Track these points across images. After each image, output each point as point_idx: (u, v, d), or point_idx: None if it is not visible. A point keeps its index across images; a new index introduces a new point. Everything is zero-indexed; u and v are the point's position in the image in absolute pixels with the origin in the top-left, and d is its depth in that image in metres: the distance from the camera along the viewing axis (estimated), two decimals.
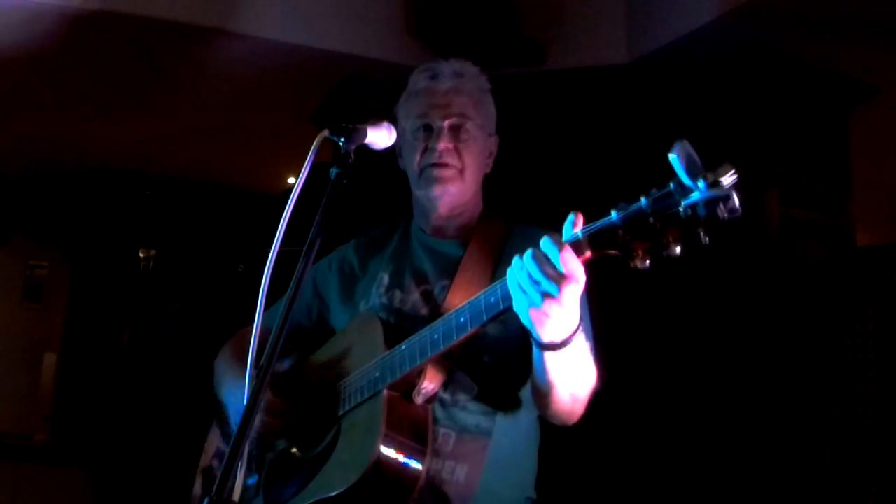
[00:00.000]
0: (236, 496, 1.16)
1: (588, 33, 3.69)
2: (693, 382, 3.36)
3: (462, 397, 1.53)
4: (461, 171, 1.66)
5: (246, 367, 1.69)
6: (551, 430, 1.62)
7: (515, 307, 1.26)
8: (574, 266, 1.18)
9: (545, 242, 1.20)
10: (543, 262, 1.20)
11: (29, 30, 3.57)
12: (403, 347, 1.48)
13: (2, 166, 5.78)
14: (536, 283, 1.20)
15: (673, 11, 3.42)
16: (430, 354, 1.43)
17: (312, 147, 1.34)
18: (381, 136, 1.49)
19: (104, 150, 5.44)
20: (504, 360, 1.55)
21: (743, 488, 3.19)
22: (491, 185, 1.78)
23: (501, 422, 1.56)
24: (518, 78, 3.74)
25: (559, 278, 1.19)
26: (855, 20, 3.18)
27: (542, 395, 1.44)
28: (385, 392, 1.47)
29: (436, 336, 1.42)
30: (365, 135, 1.45)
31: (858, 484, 3.36)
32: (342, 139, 1.39)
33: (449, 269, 1.65)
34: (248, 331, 1.86)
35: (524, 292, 1.22)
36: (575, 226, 1.21)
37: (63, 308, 6.73)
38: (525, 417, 1.61)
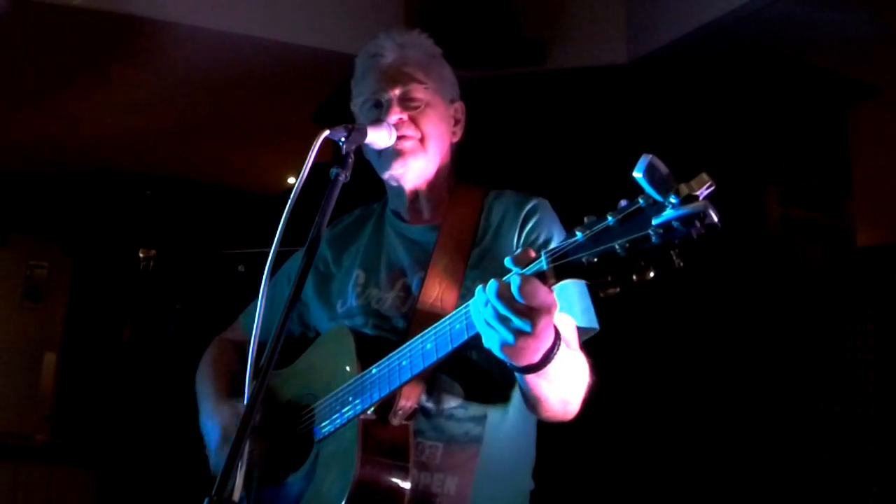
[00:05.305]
0: (236, 496, 1.15)
1: (588, 33, 3.69)
2: (693, 382, 3.36)
3: (450, 404, 1.46)
4: (422, 141, 1.56)
5: (220, 392, 1.70)
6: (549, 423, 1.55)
7: (486, 343, 1.18)
8: (544, 297, 1.11)
9: (511, 279, 1.11)
10: (511, 299, 1.11)
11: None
12: (374, 371, 1.40)
13: (2, 166, 5.78)
14: (506, 320, 1.13)
15: (673, 11, 3.42)
16: (399, 382, 1.36)
17: (313, 147, 1.33)
18: (381, 136, 1.49)
19: (104, 150, 5.44)
20: (494, 356, 1.41)
21: (743, 488, 3.18)
22: (491, 185, 1.77)
23: (492, 427, 1.48)
24: (518, 78, 3.74)
25: (531, 313, 1.11)
26: (855, 21, 3.18)
27: (532, 406, 1.39)
28: (359, 419, 1.40)
29: (404, 362, 1.35)
30: (365, 135, 1.45)
31: (858, 484, 3.36)
32: (342, 139, 1.38)
33: (424, 259, 1.55)
34: (225, 340, 1.86)
35: (494, 329, 1.15)
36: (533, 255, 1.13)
37: (63, 308, 6.73)
38: (518, 417, 1.52)
